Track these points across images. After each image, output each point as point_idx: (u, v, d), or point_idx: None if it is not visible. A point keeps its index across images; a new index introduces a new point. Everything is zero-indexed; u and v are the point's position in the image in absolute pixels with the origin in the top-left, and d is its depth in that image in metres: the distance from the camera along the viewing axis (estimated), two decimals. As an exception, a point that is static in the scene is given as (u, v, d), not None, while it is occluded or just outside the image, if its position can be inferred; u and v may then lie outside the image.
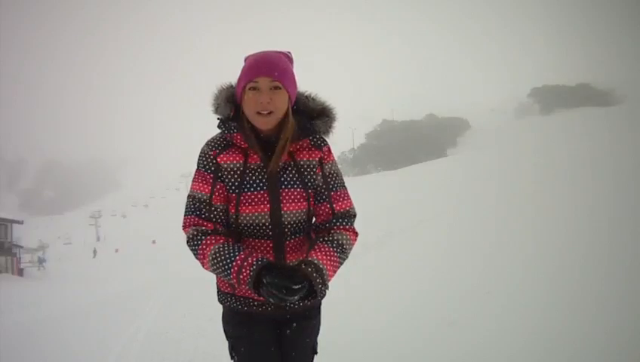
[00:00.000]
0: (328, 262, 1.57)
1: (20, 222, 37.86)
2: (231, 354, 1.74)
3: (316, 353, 1.81)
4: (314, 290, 1.50)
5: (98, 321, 7.91)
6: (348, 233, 1.70)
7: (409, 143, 61.92)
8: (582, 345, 2.89)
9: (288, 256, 1.67)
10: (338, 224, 1.71)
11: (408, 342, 3.70)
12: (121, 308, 9.28)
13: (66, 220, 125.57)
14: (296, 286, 1.43)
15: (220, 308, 1.78)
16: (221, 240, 1.59)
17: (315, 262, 1.54)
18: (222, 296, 1.74)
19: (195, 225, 1.63)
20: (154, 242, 48.88)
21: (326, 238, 1.65)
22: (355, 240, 1.73)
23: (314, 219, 1.76)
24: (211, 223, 1.64)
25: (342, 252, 1.64)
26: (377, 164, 63.36)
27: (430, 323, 3.98)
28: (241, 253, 1.55)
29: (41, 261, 35.67)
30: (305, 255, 1.64)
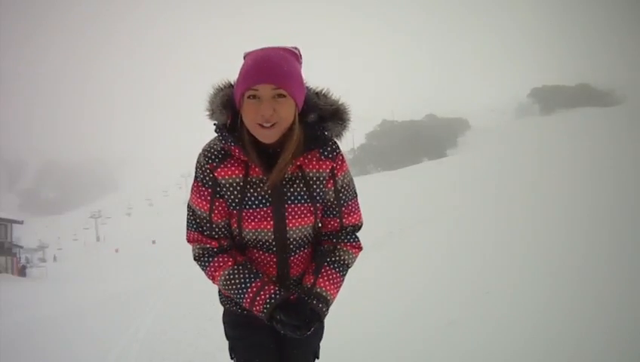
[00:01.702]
0: (335, 290, 1.61)
1: (20, 222, 37.88)
2: (231, 354, 1.74)
3: (317, 357, 1.79)
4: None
5: (98, 321, 7.92)
6: (353, 250, 1.70)
7: (409, 143, 61.88)
8: (582, 345, 2.89)
9: (292, 270, 1.62)
10: (345, 240, 1.68)
11: (408, 342, 3.70)
12: (121, 308, 9.29)
13: (66, 220, 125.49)
14: (310, 331, 1.48)
15: (219, 308, 1.77)
16: (230, 263, 1.56)
17: (324, 294, 1.57)
18: (223, 298, 1.72)
19: (199, 242, 1.60)
20: (154, 242, 48.88)
21: (333, 258, 1.64)
22: (359, 254, 1.73)
23: (321, 228, 1.70)
24: (215, 240, 1.58)
25: (346, 271, 1.67)
26: (377, 164, 63.35)
27: (430, 323, 3.98)
28: (254, 282, 1.53)
29: (28, 261, 35.52)
30: (309, 266, 1.65)
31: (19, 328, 8.09)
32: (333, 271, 1.62)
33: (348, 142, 69.57)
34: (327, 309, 1.58)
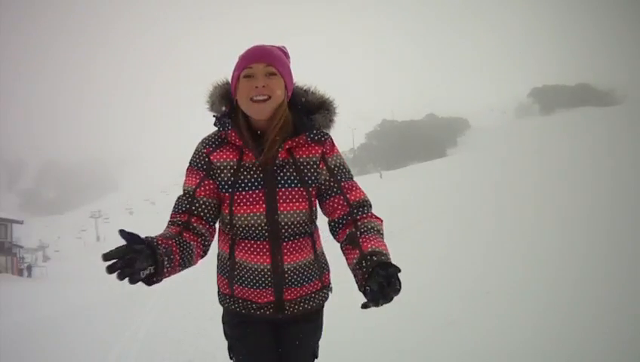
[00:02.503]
0: (384, 246, 1.45)
1: (20, 222, 37.90)
2: (230, 354, 1.74)
3: (316, 357, 1.78)
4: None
5: (98, 321, 7.92)
6: (375, 219, 1.59)
7: (409, 143, 61.90)
8: (582, 344, 2.89)
9: (286, 258, 1.59)
10: (361, 213, 1.58)
11: (408, 342, 3.70)
12: (121, 308, 9.28)
13: (66, 220, 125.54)
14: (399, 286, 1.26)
15: (219, 308, 1.78)
16: (172, 232, 1.48)
17: (378, 250, 1.40)
18: (221, 298, 1.72)
19: (170, 219, 1.57)
20: (154, 242, 48.86)
21: (362, 229, 1.51)
22: (383, 224, 1.59)
23: (329, 217, 1.63)
24: (186, 215, 1.55)
25: (382, 235, 1.53)
26: (377, 163, 63.35)
27: (430, 323, 3.98)
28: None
29: (29, 268, 35.28)
30: (306, 256, 1.62)
31: (19, 328, 8.10)
32: (370, 235, 1.49)
33: (348, 142, 69.71)
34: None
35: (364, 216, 1.58)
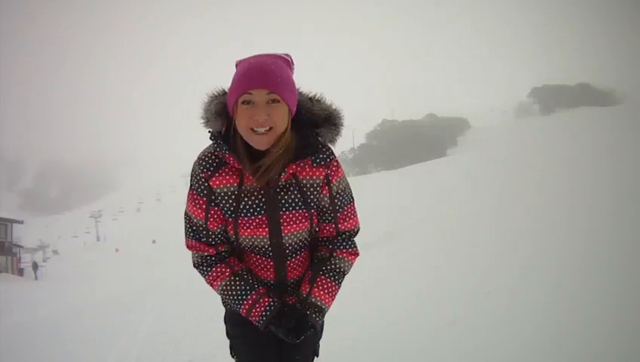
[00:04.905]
0: (330, 299, 1.64)
1: (20, 222, 37.92)
2: (231, 353, 1.76)
3: (317, 355, 1.80)
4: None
5: (98, 321, 7.92)
6: (350, 257, 1.71)
7: (409, 143, 61.77)
8: (582, 344, 2.88)
9: (290, 274, 1.66)
10: (341, 247, 1.69)
11: (408, 342, 3.70)
12: (121, 308, 9.28)
13: (67, 220, 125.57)
14: (299, 339, 1.55)
15: (220, 308, 1.79)
16: (227, 273, 1.60)
17: (318, 303, 1.61)
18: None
19: (197, 250, 1.63)
20: (154, 242, 48.86)
21: (329, 266, 1.65)
22: (355, 260, 1.74)
23: (316, 232, 1.70)
24: (212, 247, 1.62)
25: (342, 278, 1.69)
26: (377, 163, 63.30)
27: (430, 323, 3.98)
28: (250, 294, 1.58)
29: (35, 267, 35.30)
30: (306, 274, 1.68)
31: (19, 328, 8.10)
32: (329, 279, 1.64)
33: (348, 142, 69.61)
34: (322, 318, 1.63)
35: (343, 250, 1.69)
